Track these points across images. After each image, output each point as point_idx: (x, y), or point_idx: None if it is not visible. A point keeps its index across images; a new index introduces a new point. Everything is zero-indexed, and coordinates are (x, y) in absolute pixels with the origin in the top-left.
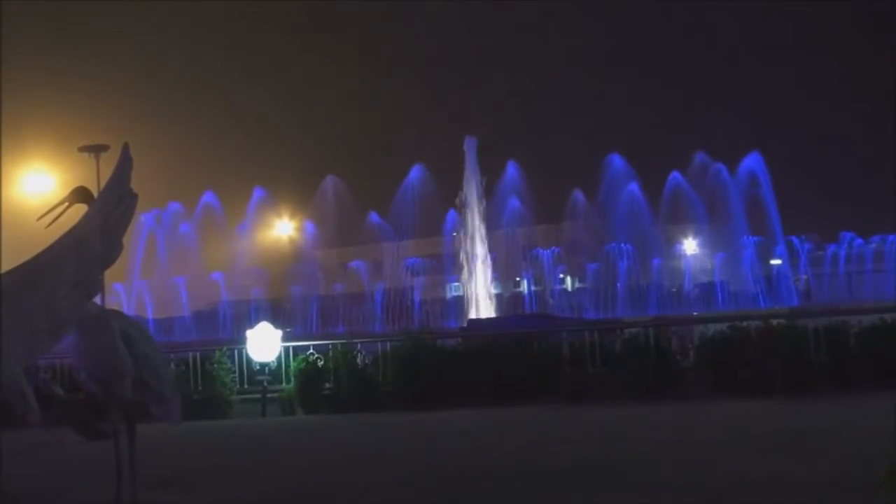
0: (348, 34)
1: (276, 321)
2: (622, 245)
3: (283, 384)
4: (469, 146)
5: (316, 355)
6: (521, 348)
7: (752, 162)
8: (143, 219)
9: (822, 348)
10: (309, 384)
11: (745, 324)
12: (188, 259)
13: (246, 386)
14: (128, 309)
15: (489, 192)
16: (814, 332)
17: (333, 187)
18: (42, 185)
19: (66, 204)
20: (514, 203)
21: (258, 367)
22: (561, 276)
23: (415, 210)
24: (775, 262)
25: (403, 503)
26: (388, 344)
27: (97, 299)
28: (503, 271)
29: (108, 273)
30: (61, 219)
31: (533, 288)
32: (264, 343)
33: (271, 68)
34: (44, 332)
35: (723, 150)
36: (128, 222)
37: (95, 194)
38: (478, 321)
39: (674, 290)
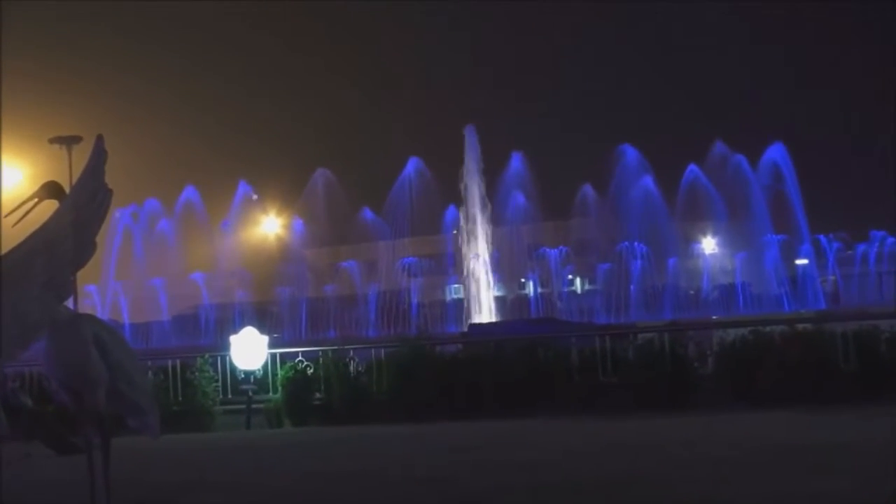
0: (338, 23)
1: (262, 326)
2: (635, 244)
3: (270, 394)
4: (470, 135)
5: (305, 363)
6: (527, 355)
7: (775, 153)
8: (118, 215)
9: (851, 355)
10: (297, 394)
11: (768, 329)
12: (167, 259)
13: (230, 396)
14: (102, 313)
15: (492, 186)
16: (842, 338)
17: (324, 181)
18: (9, 178)
19: (36, 200)
20: (518, 198)
21: (243, 376)
22: (569, 277)
23: (412, 206)
24: (801, 261)
25: None
26: (383, 350)
27: (69, 302)
28: (507, 272)
29: (80, 274)
30: (30, 216)
31: (539, 290)
32: (249, 350)
33: (256, 59)
34: (11, 339)
35: (744, 140)
36: (102, 219)
37: (67, 189)
38: (480, 326)
39: (691, 292)
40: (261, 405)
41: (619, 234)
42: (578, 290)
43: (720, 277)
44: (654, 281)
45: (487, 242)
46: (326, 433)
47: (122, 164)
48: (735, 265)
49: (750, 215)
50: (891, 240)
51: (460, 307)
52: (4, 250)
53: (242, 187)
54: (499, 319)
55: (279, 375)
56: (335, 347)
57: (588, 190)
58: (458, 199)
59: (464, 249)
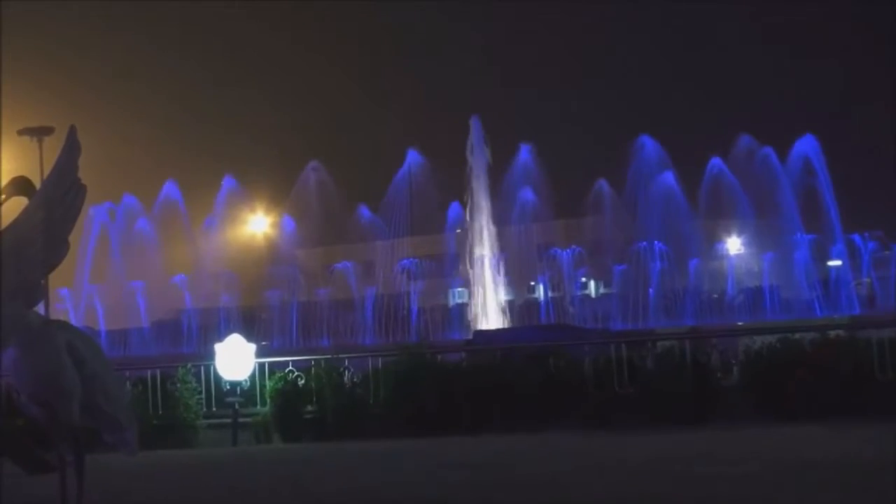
0: (327, 9)
1: (250, 333)
2: (654, 243)
3: (258, 407)
4: (475, 126)
5: (296, 373)
6: (536, 365)
7: (805, 146)
8: (93, 213)
9: (888, 364)
10: (288, 407)
11: (797, 336)
12: (146, 260)
13: (214, 409)
14: (76, 319)
15: (499, 181)
16: (878, 346)
17: (316, 176)
18: None
19: (3, 197)
20: (527, 194)
21: (228, 388)
22: (583, 280)
23: (412, 202)
24: (833, 263)
25: None
26: (381, 360)
27: (40, 308)
28: (515, 274)
29: (52, 276)
30: None
31: (550, 294)
32: (235, 359)
33: (239, 49)
34: None
35: (772, 132)
36: (75, 217)
37: (38, 185)
38: (485, 333)
39: (715, 296)
40: (248, 419)
41: (636, 233)
42: (592, 294)
43: (746, 280)
44: (674, 284)
45: (494, 242)
46: (319, 449)
47: (97, 159)
48: (762, 267)
49: (778, 213)
50: None
51: (464, 313)
52: None
53: (227, 182)
54: (506, 326)
55: (268, 387)
56: (329, 356)
57: (603, 185)
58: (462, 196)
59: (468, 250)
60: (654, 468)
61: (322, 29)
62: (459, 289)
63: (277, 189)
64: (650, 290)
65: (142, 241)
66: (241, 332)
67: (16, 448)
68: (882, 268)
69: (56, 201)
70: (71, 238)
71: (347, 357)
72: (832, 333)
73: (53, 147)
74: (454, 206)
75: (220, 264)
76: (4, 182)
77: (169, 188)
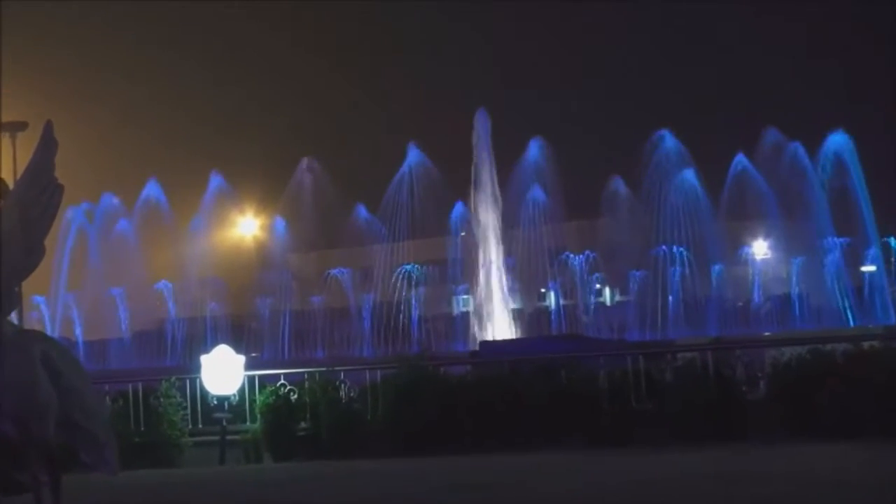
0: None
1: (239, 344)
2: (674, 247)
3: (248, 423)
4: (481, 120)
5: (288, 387)
6: (547, 378)
7: (837, 142)
8: (70, 215)
9: None
10: (279, 423)
11: (829, 347)
12: (127, 265)
13: (200, 426)
14: (51, 328)
15: (506, 180)
16: None
17: (311, 174)
18: None
19: None
20: (537, 193)
21: (216, 403)
22: (597, 286)
23: (413, 203)
24: (868, 268)
25: None
26: (380, 373)
27: (13, 317)
28: (524, 280)
29: (26, 283)
30: None
31: (562, 302)
32: (223, 372)
33: (225, 40)
34: None
35: (800, 126)
36: (52, 219)
37: (11, 184)
38: (492, 344)
39: (739, 304)
40: (237, 436)
41: (654, 235)
42: (607, 302)
43: (773, 287)
44: (695, 291)
45: (501, 246)
46: (312, 469)
47: (74, 156)
48: (790, 272)
49: (808, 214)
50: None
51: (469, 322)
52: None
53: (215, 179)
54: (514, 336)
55: (258, 402)
56: (323, 369)
57: (618, 184)
58: (467, 196)
59: (473, 254)
60: (675, 489)
61: (316, 24)
62: (464, 296)
63: (269, 188)
64: (670, 298)
65: (122, 245)
66: (229, 343)
67: None
68: None
69: (31, 202)
70: (47, 241)
71: (344, 370)
72: (866, 344)
73: (27, 144)
74: (458, 207)
75: (206, 269)
76: None
77: (151, 187)
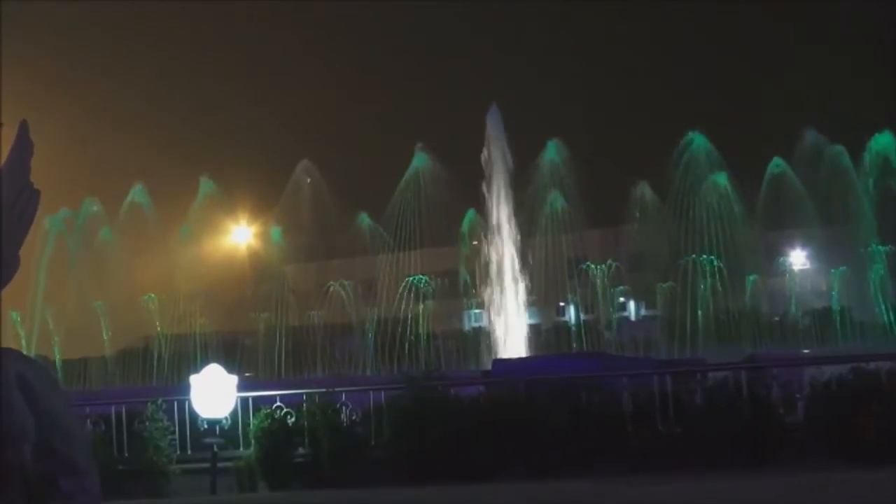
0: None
1: (231, 363)
2: (704, 257)
3: (241, 449)
4: (493, 119)
5: (285, 409)
6: (566, 400)
7: (882, 143)
8: (48, 224)
9: None
10: (275, 449)
11: (872, 366)
12: (110, 277)
13: (189, 452)
14: (28, 346)
15: (521, 185)
16: None
17: (309, 178)
18: None
19: None
20: (556, 199)
21: (206, 426)
22: (620, 299)
23: (420, 210)
24: None
25: None
26: (384, 394)
27: None
28: (542, 293)
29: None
30: None
31: (582, 316)
32: (214, 393)
33: (225, 37)
34: None
35: (842, 127)
36: (28, 227)
37: None
38: (506, 362)
39: (776, 319)
40: (229, 463)
41: (683, 244)
42: (632, 317)
43: (812, 300)
44: (728, 305)
45: (517, 256)
46: (311, 498)
47: (52, 160)
48: (831, 284)
49: (850, 221)
50: None
51: (482, 339)
52: None
53: (205, 185)
54: (530, 354)
55: (252, 426)
56: (323, 390)
57: (645, 189)
58: (479, 202)
59: (486, 265)
60: None
61: (316, 22)
62: (476, 311)
63: (264, 195)
64: (699, 312)
65: (105, 255)
66: (220, 362)
67: None
68: None
69: (5, 209)
70: (22, 252)
71: (345, 391)
72: None
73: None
74: (470, 215)
75: (196, 282)
76: None
77: (137, 193)
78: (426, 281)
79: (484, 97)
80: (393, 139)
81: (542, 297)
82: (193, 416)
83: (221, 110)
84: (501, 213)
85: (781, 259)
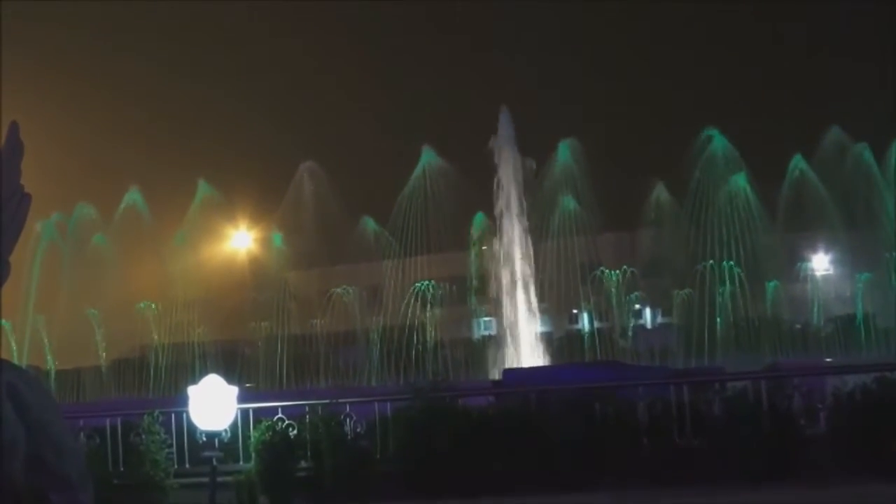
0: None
1: (231, 373)
2: (723, 262)
3: (241, 463)
4: (504, 120)
5: (287, 422)
6: (579, 411)
7: None
8: (40, 228)
9: None
10: (277, 463)
11: None
12: (105, 284)
13: (187, 466)
14: (19, 357)
15: (533, 188)
16: None
17: (312, 181)
18: None
19: None
20: (568, 202)
21: (205, 439)
22: (636, 306)
23: (427, 214)
24: None
25: None
26: (390, 405)
27: None
28: (554, 300)
29: None
30: None
31: (596, 324)
32: (213, 405)
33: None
34: None
35: (866, 124)
36: (18, 232)
37: None
38: (517, 372)
39: (797, 326)
40: (229, 478)
41: (700, 249)
42: (648, 325)
43: (835, 307)
44: (747, 312)
45: (528, 261)
46: None
47: (44, 163)
48: (855, 290)
49: (875, 224)
50: None
51: (491, 347)
52: None
53: (203, 188)
54: (542, 363)
55: (253, 438)
56: (326, 401)
57: (661, 191)
58: (489, 206)
59: (496, 270)
60: None
61: (318, 23)
62: (485, 318)
63: (264, 198)
64: (718, 320)
65: (99, 261)
66: (219, 373)
67: None
68: None
69: None
70: (13, 258)
71: (349, 402)
72: None
73: None
74: (479, 218)
75: (194, 289)
76: None
77: (132, 197)
78: (433, 287)
79: (493, 98)
80: (398, 141)
81: (554, 304)
82: (192, 429)
83: (220, 112)
84: (512, 216)
85: (803, 264)
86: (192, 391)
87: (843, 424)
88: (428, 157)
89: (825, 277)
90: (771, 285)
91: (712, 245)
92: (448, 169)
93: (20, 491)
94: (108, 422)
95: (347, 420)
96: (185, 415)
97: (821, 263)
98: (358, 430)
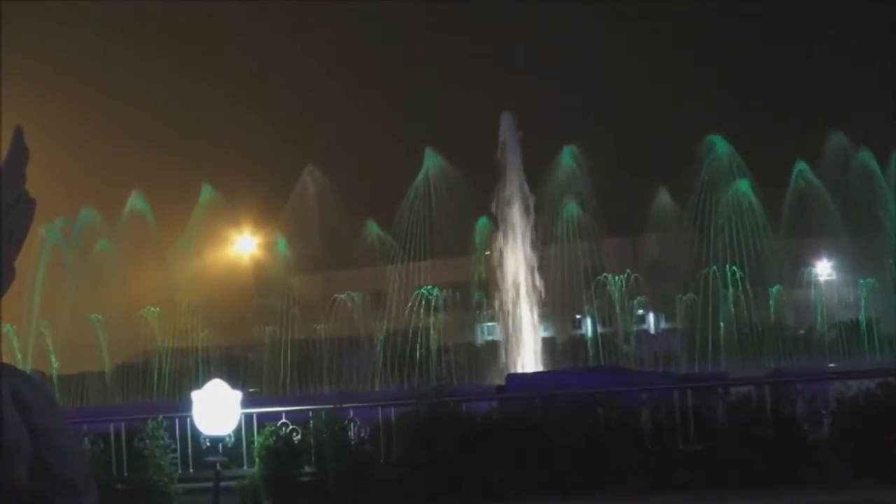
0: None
1: (235, 378)
2: (726, 267)
3: (245, 468)
4: (507, 125)
5: (291, 427)
6: (583, 416)
7: None
8: (44, 233)
9: None
10: (281, 468)
11: None
12: (109, 289)
13: (191, 471)
14: (23, 361)
15: (536, 193)
16: None
17: (315, 185)
18: None
19: None
20: (571, 208)
21: (208, 444)
22: (639, 312)
23: (431, 219)
24: None
25: None
26: (394, 410)
27: None
28: (557, 305)
29: None
30: None
31: (599, 329)
32: (217, 410)
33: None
34: None
35: (869, 130)
36: (23, 237)
37: None
38: (521, 377)
39: (801, 331)
40: (232, 483)
41: (704, 254)
42: (651, 330)
43: (839, 312)
44: (751, 317)
45: (531, 266)
46: None
47: (47, 167)
48: (859, 296)
49: (879, 230)
50: None
51: (495, 352)
52: None
53: (206, 192)
54: (546, 368)
55: (256, 444)
56: (330, 406)
57: (664, 196)
58: (492, 210)
59: (499, 275)
60: None
61: (322, 26)
62: (489, 323)
63: (268, 203)
64: (721, 325)
65: (103, 266)
66: (223, 377)
67: None
68: None
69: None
70: (17, 262)
71: (353, 407)
72: None
73: None
74: (482, 223)
75: (198, 294)
76: None
77: (135, 201)
78: (437, 292)
79: (497, 102)
80: (402, 145)
81: (557, 309)
82: (195, 434)
83: (223, 116)
84: (515, 221)
85: (806, 269)
86: (196, 396)
87: (847, 429)
88: (431, 161)
89: (828, 283)
90: (774, 290)
91: (715, 250)
92: (452, 172)
93: (23, 495)
94: (111, 426)
95: (351, 425)
96: (188, 420)
97: (824, 269)
98: (362, 434)
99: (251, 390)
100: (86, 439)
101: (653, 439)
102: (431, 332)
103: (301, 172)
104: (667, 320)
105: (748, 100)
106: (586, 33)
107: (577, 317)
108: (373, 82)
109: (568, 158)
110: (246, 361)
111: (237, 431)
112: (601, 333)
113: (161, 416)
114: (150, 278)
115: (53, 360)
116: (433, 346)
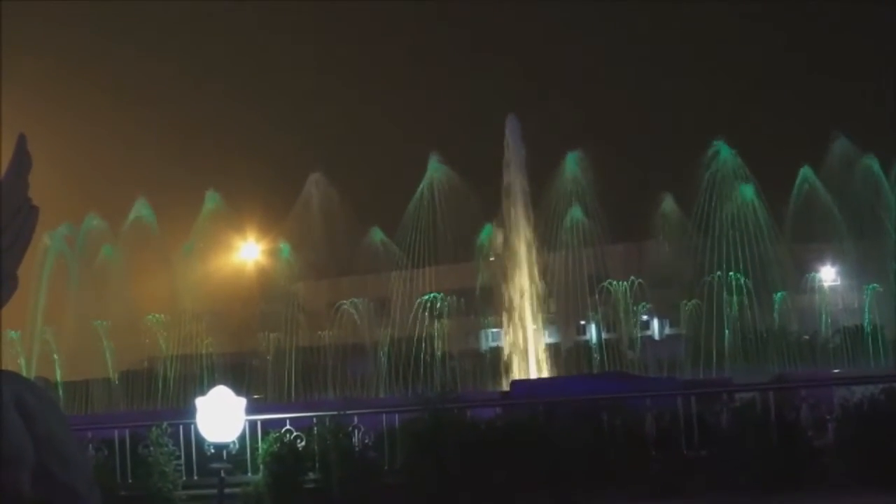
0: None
1: (239, 385)
2: (731, 274)
3: (249, 475)
4: (512, 127)
5: (295, 433)
6: (587, 422)
7: None
8: (48, 240)
9: None
10: (285, 475)
11: None
12: (113, 295)
13: (195, 477)
14: (27, 368)
15: (540, 199)
16: None
17: (320, 193)
18: None
19: None
20: (576, 213)
21: (213, 451)
22: (644, 317)
23: (435, 225)
24: None
25: None
26: (398, 417)
27: None
28: (562, 311)
29: None
30: None
31: (604, 335)
32: (221, 416)
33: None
34: None
35: (874, 135)
36: (26, 245)
37: None
38: (525, 383)
39: (805, 337)
40: (237, 489)
41: (708, 260)
42: (656, 336)
43: (843, 318)
44: (755, 323)
45: (535, 272)
46: None
47: (51, 174)
48: (863, 302)
49: (883, 235)
50: None
51: (499, 359)
52: None
53: (211, 199)
54: (550, 375)
55: (261, 450)
56: (334, 413)
57: (668, 202)
58: (496, 216)
59: (503, 281)
60: None
61: (328, 32)
62: (493, 330)
63: (273, 209)
64: (726, 331)
65: (107, 273)
66: (228, 384)
67: None
68: None
69: (3, 226)
70: (21, 270)
71: (357, 413)
72: None
73: None
74: (487, 229)
75: (202, 300)
76: None
77: (140, 208)
78: (441, 299)
79: (502, 108)
80: (406, 152)
81: (562, 315)
82: (200, 441)
83: (228, 122)
84: (520, 227)
85: (811, 275)
86: (201, 403)
87: (851, 435)
88: (435, 167)
89: (833, 288)
90: (778, 296)
91: (720, 256)
92: (455, 177)
93: (27, 502)
94: (116, 433)
95: (355, 431)
96: (193, 426)
97: (828, 274)
98: (366, 441)
99: (255, 397)
100: (90, 446)
101: (657, 445)
102: (436, 338)
103: (306, 178)
104: (671, 326)
105: (752, 105)
106: (587, 35)
107: (582, 323)
108: (379, 88)
109: (572, 164)
110: (250, 368)
111: (241, 438)
112: (606, 339)
113: (165, 423)
114: (155, 285)
115: (57, 367)
116: (437, 353)
